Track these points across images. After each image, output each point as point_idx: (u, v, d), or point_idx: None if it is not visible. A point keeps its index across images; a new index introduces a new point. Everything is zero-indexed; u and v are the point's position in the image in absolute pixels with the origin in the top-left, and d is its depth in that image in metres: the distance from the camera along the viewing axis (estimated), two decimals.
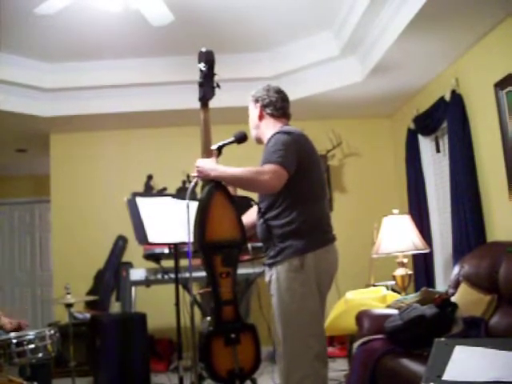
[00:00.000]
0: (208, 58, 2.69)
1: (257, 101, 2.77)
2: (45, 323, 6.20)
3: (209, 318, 2.51)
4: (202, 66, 2.68)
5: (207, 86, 2.67)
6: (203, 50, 2.71)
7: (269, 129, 2.70)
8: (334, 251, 2.63)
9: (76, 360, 3.89)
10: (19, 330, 3.67)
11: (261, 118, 2.76)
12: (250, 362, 2.49)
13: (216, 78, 2.72)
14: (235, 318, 2.50)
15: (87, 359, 4.98)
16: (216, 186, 2.54)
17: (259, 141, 2.79)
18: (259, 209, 2.64)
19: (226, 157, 2.75)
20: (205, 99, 2.68)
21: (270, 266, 2.59)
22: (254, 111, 2.80)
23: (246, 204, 2.86)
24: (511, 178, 3.85)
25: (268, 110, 2.74)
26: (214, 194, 2.52)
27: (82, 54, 5.24)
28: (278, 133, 2.59)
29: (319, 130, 5.75)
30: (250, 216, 2.78)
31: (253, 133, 2.81)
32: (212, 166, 2.54)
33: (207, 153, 2.65)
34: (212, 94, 2.69)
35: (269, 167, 2.45)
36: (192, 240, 2.53)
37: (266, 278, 2.65)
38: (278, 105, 2.74)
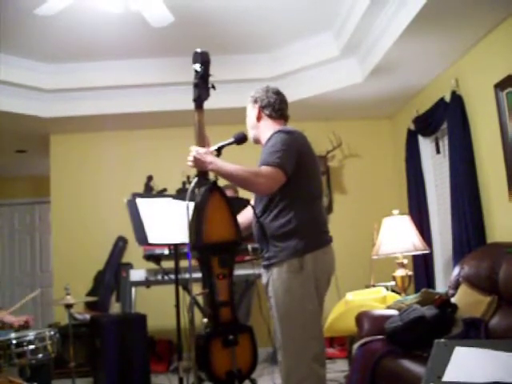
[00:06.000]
0: (203, 59, 2.66)
1: (255, 101, 2.77)
2: (45, 324, 6.20)
3: (205, 320, 2.50)
4: (197, 66, 2.65)
5: (202, 86, 2.64)
6: (198, 50, 2.68)
7: (267, 129, 2.69)
8: (330, 252, 2.63)
9: (76, 361, 3.89)
10: (27, 327, 3.68)
11: (259, 118, 2.75)
12: (248, 363, 2.49)
13: (211, 79, 2.68)
14: (232, 320, 2.50)
15: (87, 360, 4.98)
16: (212, 186, 2.54)
17: (257, 141, 2.79)
18: (254, 209, 2.63)
19: (225, 157, 2.74)
20: (200, 100, 2.64)
21: (268, 267, 2.58)
22: (252, 112, 2.79)
23: (243, 205, 2.85)
24: (511, 179, 3.85)
25: (266, 111, 2.74)
26: (211, 195, 2.51)
27: (83, 55, 5.24)
28: (278, 131, 2.59)
29: (319, 131, 5.76)
30: (245, 215, 2.78)
31: (250, 133, 2.80)
32: (211, 159, 2.50)
33: None
34: (207, 95, 2.65)
35: (266, 170, 2.44)
36: (188, 241, 2.52)
37: (264, 280, 2.64)
38: (276, 106, 2.74)
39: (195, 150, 2.52)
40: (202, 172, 2.57)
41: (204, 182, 2.56)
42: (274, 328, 2.57)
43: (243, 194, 3.39)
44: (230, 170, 2.47)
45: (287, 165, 2.46)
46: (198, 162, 2.51)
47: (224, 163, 2.50)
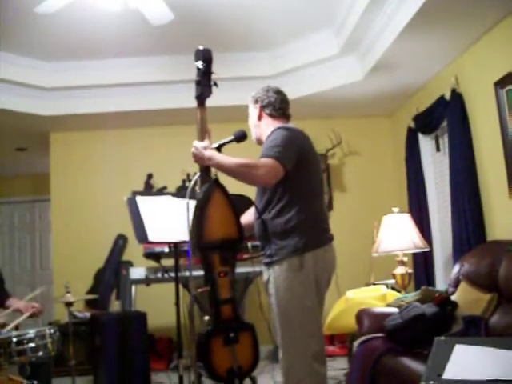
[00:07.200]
0: (206, 56, 2.65)
1: (256, 101, 2.79)
2: (45, 322, 6.19)
3: (207, 318, 2.50)
4: (199, 64, 2.64)
5: (204, 84, 2.64)
6: (200, 47, 2.68)
7: (268, 128, 2.71)
8: (332, 250, 2.63)
9: (76, 359, 3.89)
10: (39, 315, 3.72)
11: (260, 118, 2.78)
12: (249, 361, 2.48)
13: (213, 77, 2.68)
14: (234, 317, 2.49)
15: (87, 358, 4.98)
16: (214, 184, 2.54)
17: (259, 141, 2.80)
18: (256, 206, 2.64)
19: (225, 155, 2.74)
20: (202, 98, 2.64)
21: (268, 265, 2.58)
22: (253, 111, 2.82)
23: (245, 203, 2.85)
24: (511, 177, 3.85)
25: (267, 111, 2.76)
26: (213, 193, 2.51)
27: (82, 53, 5.24)
28: (278, 128, 2.61)
29: (319, 129, 5.75)
30: (247, 217, 2.78)
31: (253, 133, 2.83)
32: (209, 154, 2.52)
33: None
34: (209, 93, 2.65)
35: (264, 161, 2.45)
36: (190, 238, 2.53)
37: (264, 277, 2.65)
38: (277, 105, 2.76)
39: (194, 145, 2.54)
40: (204, 169, 2.58)
41: (206, 179, 2.57)
42: (275, 326, 2.58)
43: (243, 190, 3.38)
44: (229, 163, 2.47)
45: (286, 160, 2.47)
46: (196, 156, 2.54)
47: (223, 157, 2.51)
